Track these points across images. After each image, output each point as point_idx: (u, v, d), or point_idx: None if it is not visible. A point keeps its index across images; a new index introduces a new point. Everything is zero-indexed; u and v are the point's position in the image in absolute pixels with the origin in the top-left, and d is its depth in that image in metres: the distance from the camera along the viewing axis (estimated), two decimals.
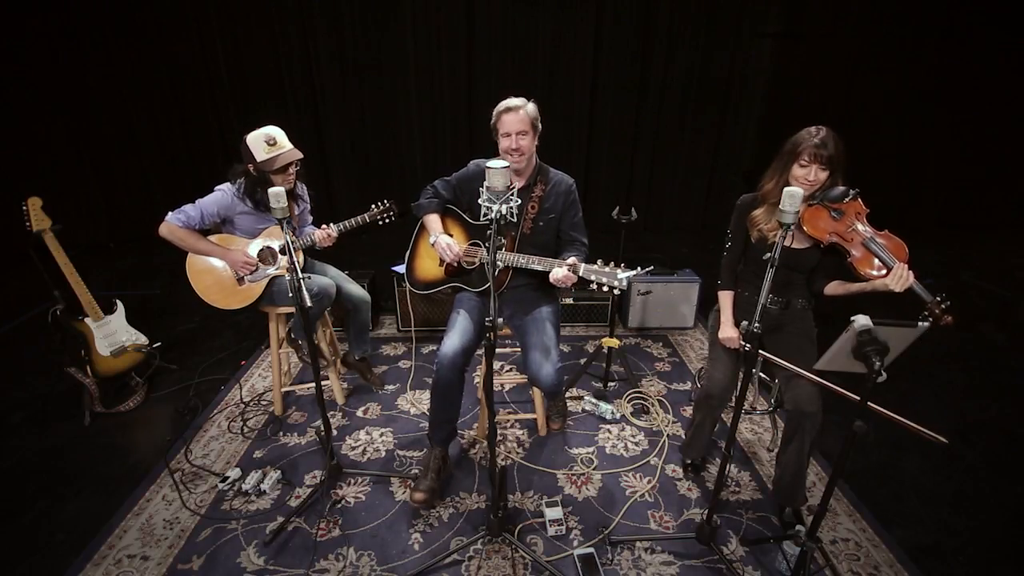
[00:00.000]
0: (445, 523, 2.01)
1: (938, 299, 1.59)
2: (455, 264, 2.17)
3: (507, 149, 2.03)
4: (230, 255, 2.30)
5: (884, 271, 1.69)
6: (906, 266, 1.65)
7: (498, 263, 1.95)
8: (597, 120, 5.26)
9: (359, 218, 2.44)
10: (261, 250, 2.36)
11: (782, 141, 1.84)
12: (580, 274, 1.87)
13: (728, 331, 1.99)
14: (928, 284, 1.64)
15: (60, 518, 2.04)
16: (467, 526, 1.99)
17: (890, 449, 2.39)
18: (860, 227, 1.76)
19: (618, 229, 2.60)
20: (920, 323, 1.41)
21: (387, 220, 2.50)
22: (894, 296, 1.66)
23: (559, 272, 1.90)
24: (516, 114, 2.00)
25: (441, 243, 2.12)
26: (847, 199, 1.77)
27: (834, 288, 1.89)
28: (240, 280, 2.34)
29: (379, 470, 2.27)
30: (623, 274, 1.77)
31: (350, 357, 2.85)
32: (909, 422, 1.50)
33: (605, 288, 1.81)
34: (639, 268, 1.80)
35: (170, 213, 2.24)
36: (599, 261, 1.85)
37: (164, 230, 2.24)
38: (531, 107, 2.04)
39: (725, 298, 2.06)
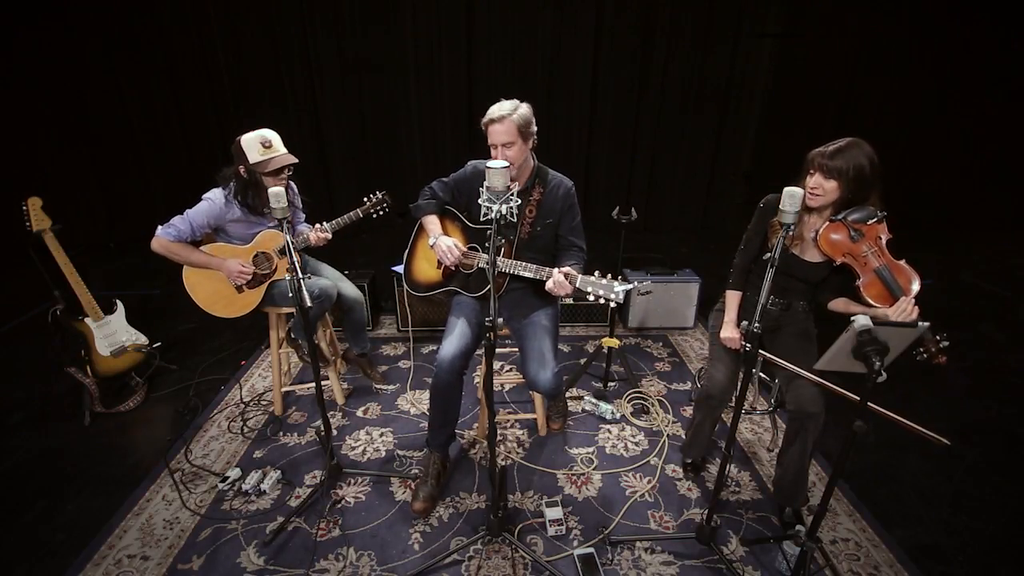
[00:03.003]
0: (445, 523, 2.01)
1: (937, 338, 1.56)
2: (453, 268, 2.14)
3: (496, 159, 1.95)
4: (226, 265, 2.28)
5: (889, 302, 1.67)
6: (912, 301, 1.63)
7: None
8: (597, 120, 5.26)
9: (353, 213, 2.42)
10: (256, 256, 2.35)
11: (782, 141, 1.82)
12: (576, 285, 1.84)
13: (730, 331, 1.98)
14: (928, 284, 1.63)
15: (60, 518, 2.03)
16: (467, 526, 1.99)
17: (890, 449, 2.39)
18: (876, 253, 1.72)
19: (618, 229, 2.60)
20: (920, 323, 1.41)
21: (382, 213, 2.47)
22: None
23: (553, 281, 1.88)
24: (501, 125, 1.90)
25: (441, 245, 2.05)
26: (871, 221, 1.72)
27: (838, 305, 1.88)
28: (239, 289, 2.33)
29: (379, 470, 2.27)
30: (620, 287, 1.75)
31: (350, 353, 2.86)
32: (909, 422, 1.50)
33: (602, 301, 1.79)
34: (636, 283, 1.79)
35: (160, 228, 2.21)
36: (596, 273, 1.82)
37: (156, 245, 2.22)
38: (518, 115, 1.91)
39: (732, 298, 2.04)
